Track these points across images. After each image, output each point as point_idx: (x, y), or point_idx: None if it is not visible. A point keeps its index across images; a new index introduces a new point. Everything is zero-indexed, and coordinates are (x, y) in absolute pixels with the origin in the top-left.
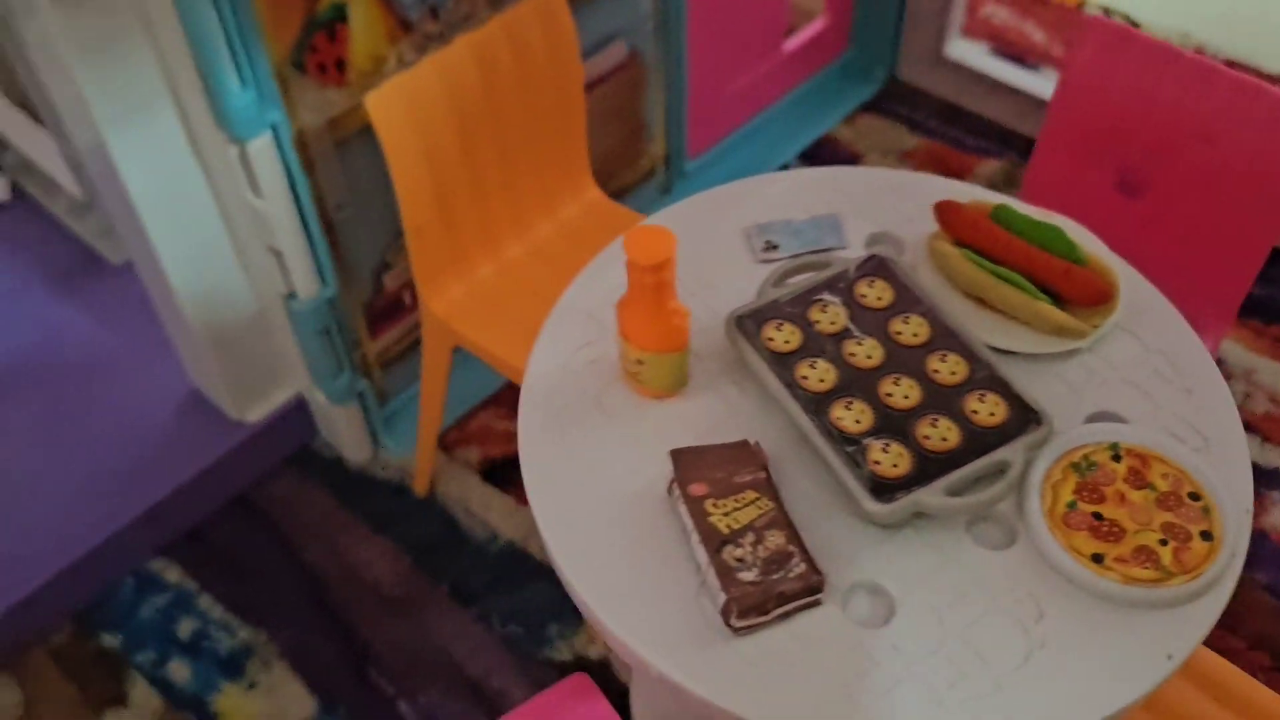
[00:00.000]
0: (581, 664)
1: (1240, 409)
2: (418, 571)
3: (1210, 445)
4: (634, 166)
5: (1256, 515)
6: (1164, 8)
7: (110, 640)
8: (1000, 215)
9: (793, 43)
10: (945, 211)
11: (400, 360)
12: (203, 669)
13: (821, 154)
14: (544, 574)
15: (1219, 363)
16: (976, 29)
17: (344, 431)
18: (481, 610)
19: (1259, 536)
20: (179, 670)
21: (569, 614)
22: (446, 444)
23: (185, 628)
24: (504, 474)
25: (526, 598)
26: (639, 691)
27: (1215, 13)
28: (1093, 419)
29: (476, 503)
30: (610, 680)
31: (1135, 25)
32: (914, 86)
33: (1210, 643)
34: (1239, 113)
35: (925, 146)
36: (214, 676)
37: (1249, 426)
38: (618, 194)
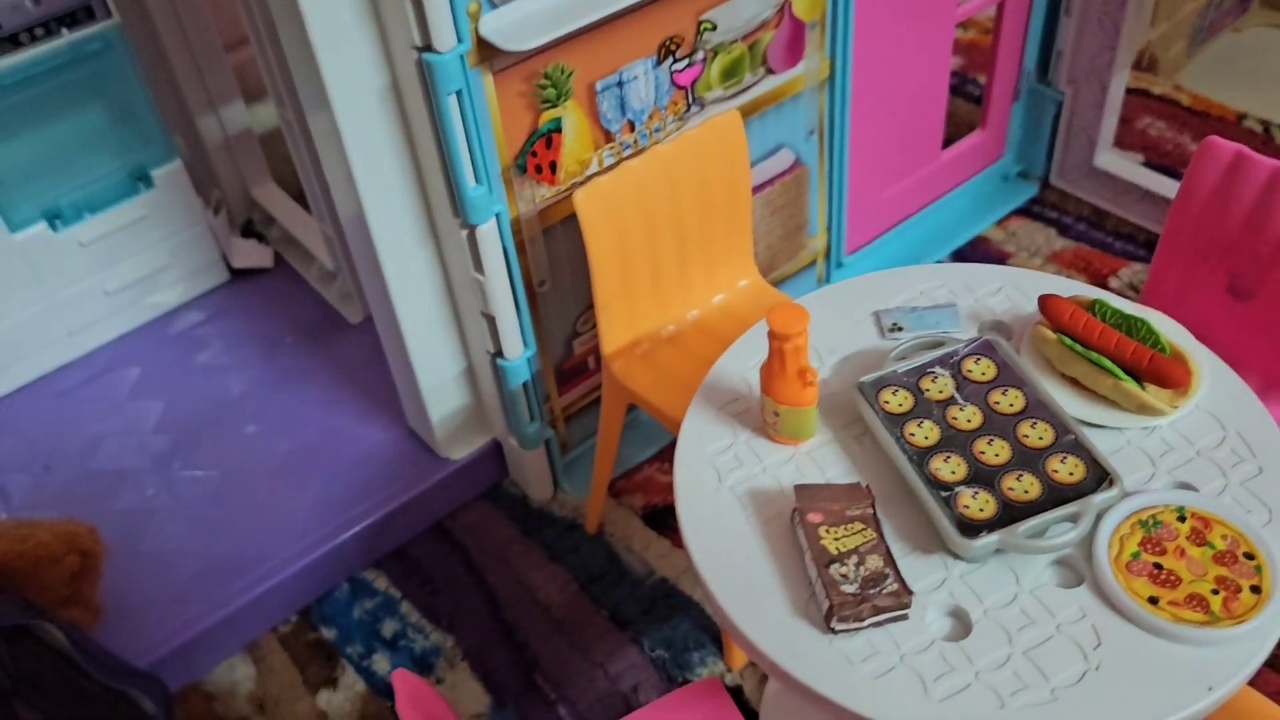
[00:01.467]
0: None
1: None
2: (583, 597)
3: (1274, 517)
4: (796, 258)
5: None
6: None
7: (328, 633)
8: (1095, 308)
9: (951, 152)
10: (1047, 303)
11: (581, 415)
12: (400, 663)
13: (973, 253)
14: (691, 608)
15: None
16: (1133, 140)
17: (530, 473)
18: (635, 634)
19: None
20: (380, 662)
21: (710, 644)
22: (616, 491)
23: (388, 628)
24: (663, 519)
25: (674, 627)
26: (768, 710)
27: None
28: (1168, 486)
29: (638, 542)
30: (743, 703)
31: None
32: (1066, 192)
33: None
34: None
35: (1072, 249)
36: (409, 670)
37: None
38: (780, 281)
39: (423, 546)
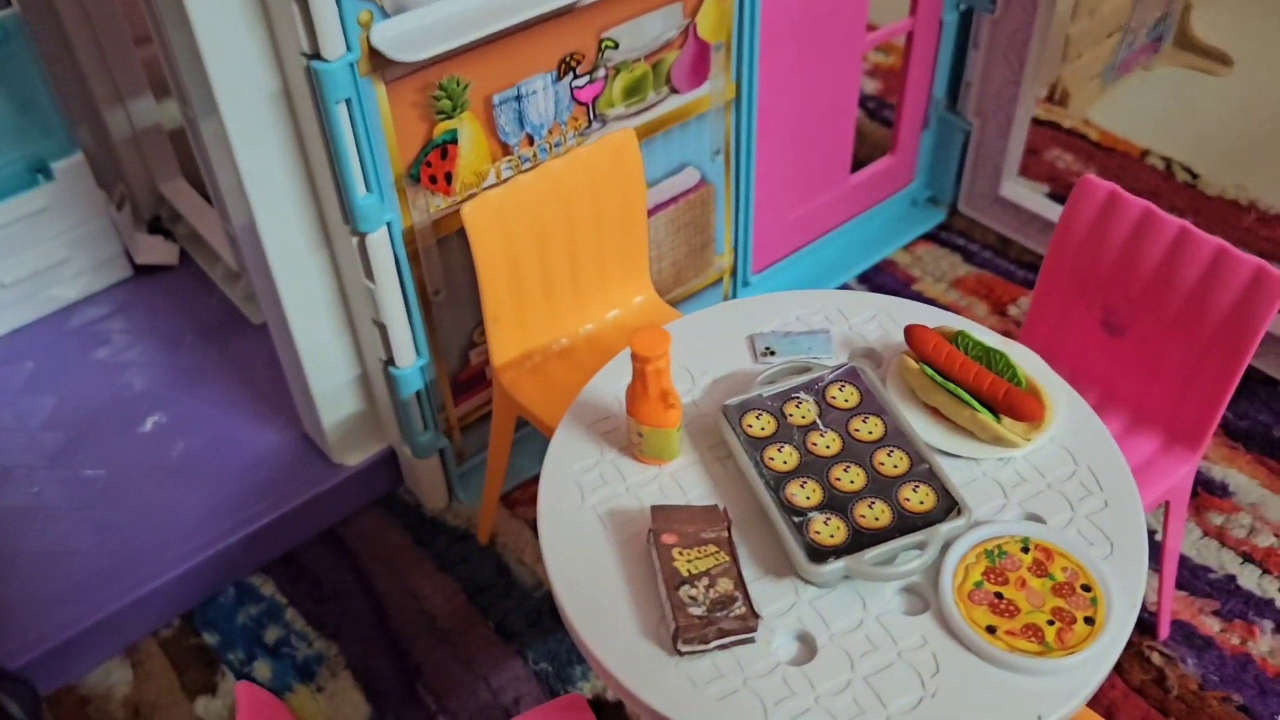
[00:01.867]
0: (598, 702)
1: (1244, 541)
2: (470, 607)
3: (1115, 550)
4: (702, 275)
5: (1245, 641)
6: (1220, 163)
7: (210, 638)
8: (958, 340)
9: (859, 176)
10: (912, 333)
11: (478, 425)
12: (281, 670)
13: (879, 276)
14: None
15: (1226, 491)
16: (1040, 171)
17: (423, 482)
18: (519, 646)
19: (1245, 660)
20: (261, 669)
21: None
22: (511, 502)
23: (271, 634)
24: None
25: (559, 641)
26: None
27: (1272, 172)
28: (1017, 517)
29: (529, 554)
30: (624, 719)
31: (1196, 176)
32: (973, 220)
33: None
34: (1205, 268)
35: (976, 276)
36: (289, 678)
37: (1249, 558)
38: (687, 297)
39: (312, 553)
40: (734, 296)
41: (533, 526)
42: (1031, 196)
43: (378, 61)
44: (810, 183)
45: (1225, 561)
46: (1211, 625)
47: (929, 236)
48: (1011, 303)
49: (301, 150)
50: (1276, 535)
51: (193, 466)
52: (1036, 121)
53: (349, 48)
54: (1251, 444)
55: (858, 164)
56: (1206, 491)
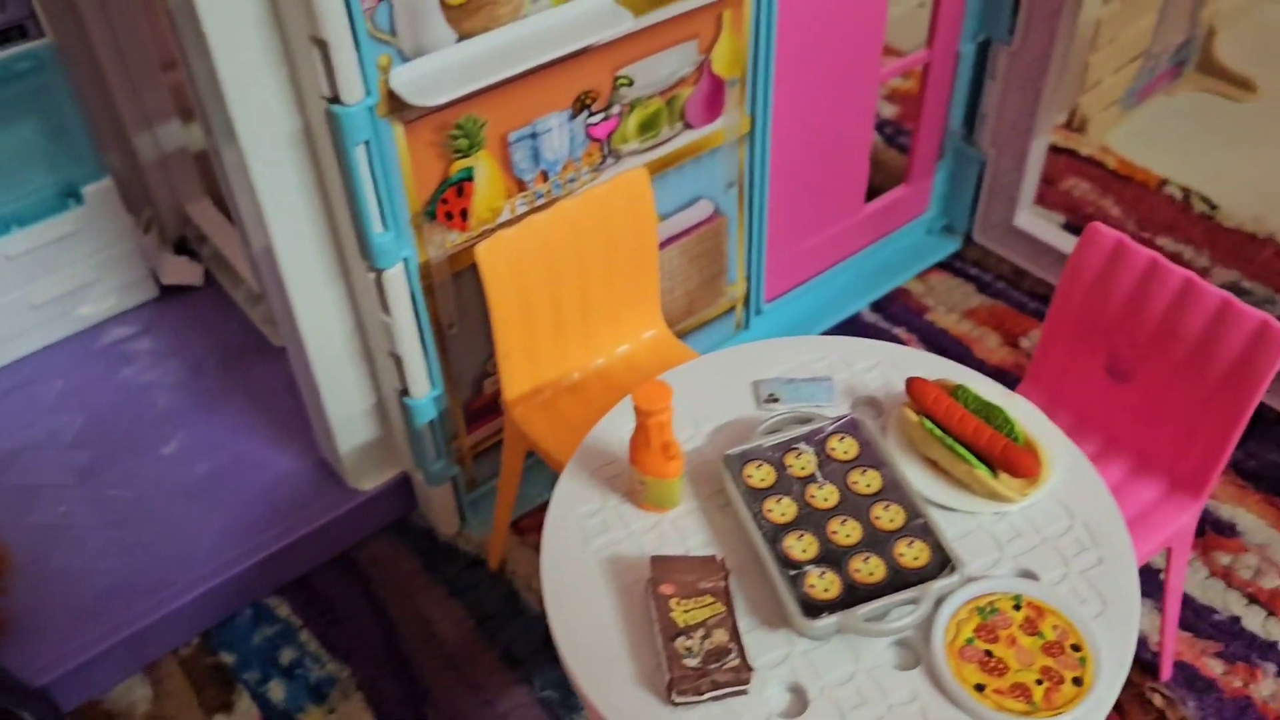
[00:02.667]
0: None
1: (1250, 582)
2: (478, 634)
3: (1107, 609)
4: (715, 304)
5: (1247, 684)
6: (1240, 193)
7: (227, 657)
8: (958, 393)
9: (873, 206)
10: (913, 385)
11: (490, 452)
12: (295, 691)
13: (893, 305)
14: None
15: (1234, 531)
16: (1056, 200)
17: (436, 508)
18: (525, 673)
19: (1246, 704)
20: (276, 689)
21: None
22: (521, 529)
23: (286, 655)
24: None
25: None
26: None
27: None
28: (1009, 574)
29: (537, 582)
30: None
31: (1214, 207)
32: (987, 249)
33: None
34: (1210, 320)
35: (988, 306)
36: (302, 699)
37: (1254, 599)
38: (699, 327)
39: (326, 576)
40: (746, 326)
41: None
42: (1046, 227)
43: (396, 104)
44: (824, 212)
45: (1230, 603)
46: (1214, 667)
47: (943, 265)
48: (1023, 335)
49: (321, 185)
50: None
51: (213, 489)
52: (1054, 149)
53: (368, 92)
54: (1261, 483)
55: (873, 191)
56: (1214, 531)
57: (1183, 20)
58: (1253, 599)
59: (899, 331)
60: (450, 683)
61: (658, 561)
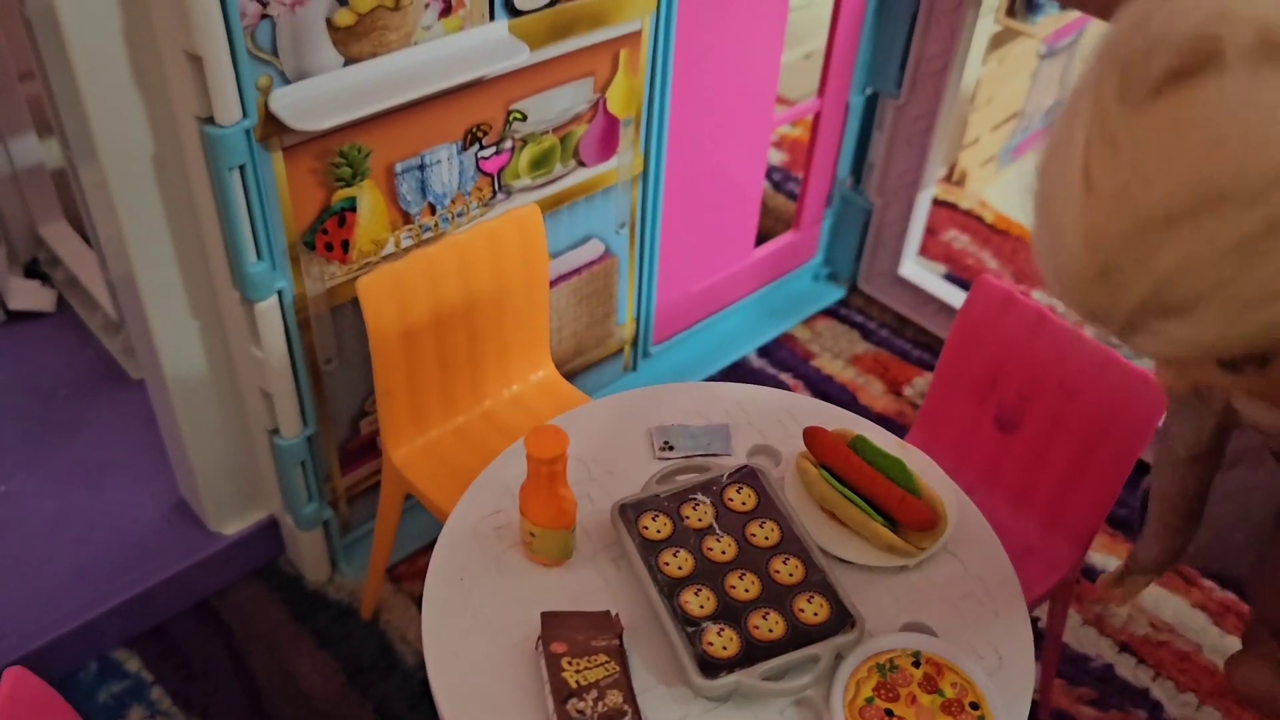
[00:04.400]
0: None
1: (1122, 630)
2: (350, 689)
3: (1003, 664)
4: (604, 344)
5: None
6: None
7: None
8: (856, 444)
9: (763, 250)
10: (811, 436)
11: (366, 495)
12: None
13: (779, 350)
14: None
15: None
16: (937, 251)
17: (306, 554)
18: None
19: None
20: None
21: None
22: (397, 576)
23: (135, 715)
24: None
25: None
26: None
27: None
28: (907, 628)
29: (412, 632)
30: None
31: None
32: (871, 297)
33: None
34: (1095, 374)
35: (873, 354)
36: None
37: (1126, 646)
38: (587, 367)
39: (184, 626)
40: (634, 368)
41: (418, 603)
42: (929, 278)
43: (275, 127)
44: (714, 256)
45: (1103, 650)
46: (1088, 715)
47: (829, 312)
48: (907, 383)
49: (190, 209)
50: (1152, 625)
51: (59, 529)
52: (936, 201)
53: (245, 114)
54: (1130, 532)
55: (761, 236)
56: (1086, 578)
57: (1053, 85)
58: (1124, 646)
59: (785, 377)
60: None
61: (549, 618)
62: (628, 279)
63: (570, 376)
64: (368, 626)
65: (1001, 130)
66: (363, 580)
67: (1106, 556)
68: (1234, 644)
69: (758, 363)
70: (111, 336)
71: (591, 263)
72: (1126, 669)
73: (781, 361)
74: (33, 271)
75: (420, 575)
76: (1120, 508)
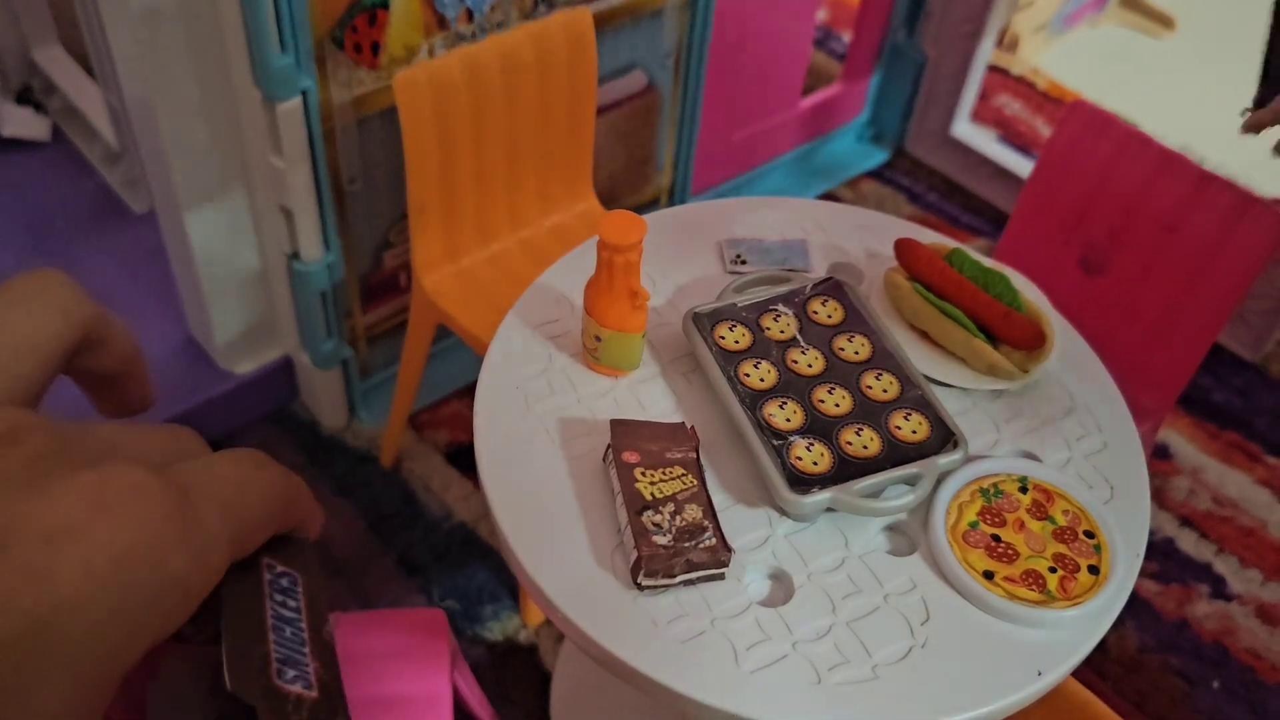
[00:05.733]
0: (510, 645)
1: (1183, 504)
2: (371, 537)
3: (1115, 495)
4: (639, 191)
5: (1182, 605)
6: (1161, 123)
7: None
8: (954, 258)
9: (808, 101)
10: (903, 248)
11: (387, 337)
12: None
13: None
14: (489, 557)
15: (1167, 453)
16: (988, 116)
17: (323, 396)
18: (424, 582)
19: (1181, 624)
20: None
21: (506, 597)
22: (419, 424)
23: None
24: (467, 459)
25: (468, 577)
26: (562, 673)
27: (1219, 130)
28: (1011, 454)
29: (437, 482)
30: (536, 665)
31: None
32: (919, 160)
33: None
34: (1201, 204)
35: (920, 218)
36: None
37: (1188, 521)
38: None
39: None
40: None
41: (443, 452)
42: (983, 139)
43: None
44: (759, 103)
45: (1164, 524)
46: (1150, 588)
47: (873, 174)
48: None
49: (211, 3)
50: (1214, 500)
51: None
52: (988, 67)
53: None
54: (1192, 407)
55: (804, 92)
56: (1157, 457)
57: None
58: (1185, 520)
59: None
60: (336, 591)
61: (619, 426)
62: (669, 119)
63: None
64: (389, 475)
65: None
66: (382, 428)
67: (1167, 430)
68: None
69: None
70: (112, 168)
71: (634, 95)
72: (1188, 543)
73: None
74: (25, 99)
75: (443, 424)
76: (1224, 390)
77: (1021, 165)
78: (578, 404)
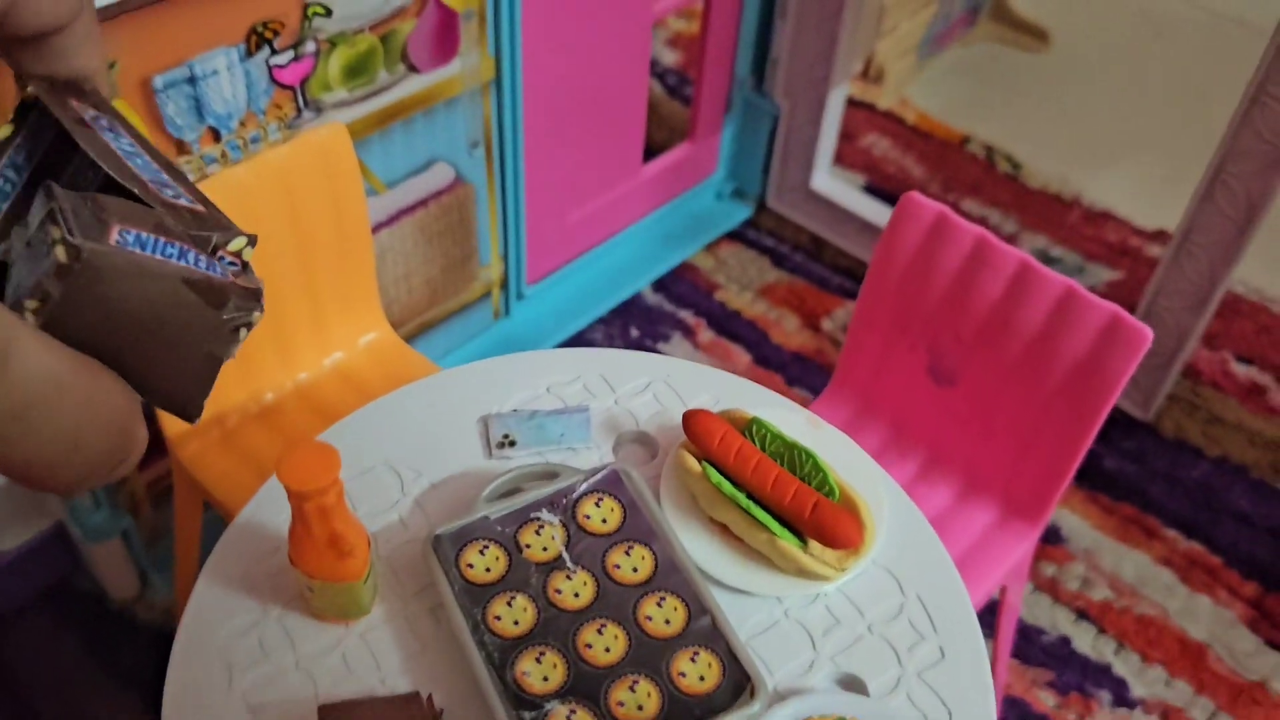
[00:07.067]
0: None
1: (1078, 595)
2: None
3: None
4: (466, 290)
5: (1082, 717)
6: (1042, 150)
7: None
8: (754, 428)
9: (654, 166)
10: (694, 423)
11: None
12: None
13: (678, 283)
14: None
15: (1058, 536)
16: (855, 160)
17: (105, 567)
18: None
19: None
20: None
21: None
22: None
23: None
24: None
25: None
26: None
27: (1093, 160)
28: (830, 680)
29: None
30: None
31: (1018, 166)
32: (782, 217)
33: None
34: (1052, 310)
35: (786, 282)
36: None
37: (1084, 614)
38: (446, 319)
39: None
40: (507, 313)
41: None
42: (846, 191)
43: None
44: (594, 176)
45: (1059, 620)
46: (1046, 700)
47: (734, 235)
48: (825, 315)
49: None
50: (1110, 587)
51: None
52: (852, 102)
53: None
54: (1082, 478)
55: (652, 151)
56: (1045, 541)
57: None
58: (1081, 614)
59: (685, 314)
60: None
61: (329, 713)
62: (489, 209)
63: (428, 330)
64: None
65: (920, 17)
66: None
67: (1058, 509)
68: (1203, 604)
69: (653, 299)
70: None
71: (440, 192)
72: (1085, 642)
73: (681, 296)
74: None
75: None
76: (1117, 457)
77: (887, 216)
78: (295, 669)
